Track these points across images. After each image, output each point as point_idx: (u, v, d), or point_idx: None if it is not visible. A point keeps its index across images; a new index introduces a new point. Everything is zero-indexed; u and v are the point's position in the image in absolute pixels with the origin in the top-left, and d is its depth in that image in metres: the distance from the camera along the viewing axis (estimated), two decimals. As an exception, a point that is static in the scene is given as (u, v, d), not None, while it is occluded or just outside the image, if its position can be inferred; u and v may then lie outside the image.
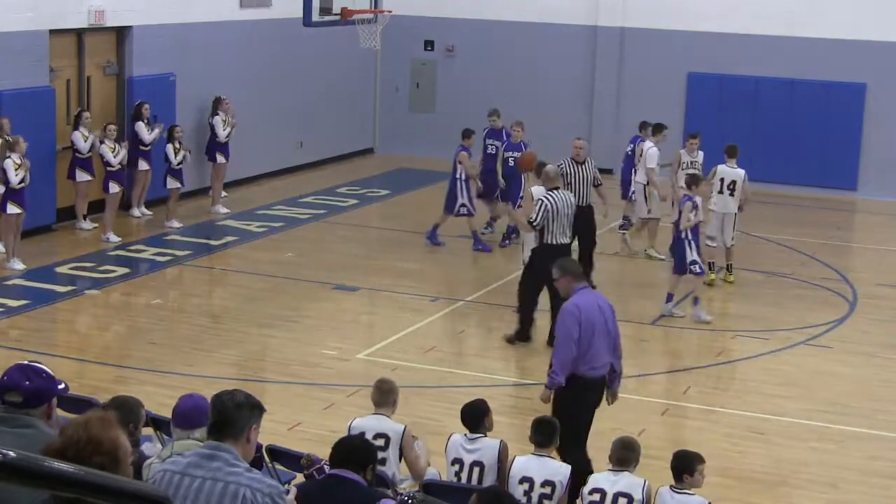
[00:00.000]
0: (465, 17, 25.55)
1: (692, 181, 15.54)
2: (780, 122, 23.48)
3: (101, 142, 17.96)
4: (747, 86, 23.76)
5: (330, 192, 22.32)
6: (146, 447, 9.68)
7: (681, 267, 15.14)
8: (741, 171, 16.71)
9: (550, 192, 13.74)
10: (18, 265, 16.16)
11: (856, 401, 12.70)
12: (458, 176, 18.13)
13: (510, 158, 18.23)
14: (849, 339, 14.75)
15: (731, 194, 16.65)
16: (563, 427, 8.58)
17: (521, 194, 17.18)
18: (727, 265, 16.89)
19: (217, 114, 20.32)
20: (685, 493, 7.85)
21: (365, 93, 26.11)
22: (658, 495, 7.89)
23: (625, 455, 8.03)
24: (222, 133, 20.25)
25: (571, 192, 14.80)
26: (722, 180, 16.65)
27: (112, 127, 18.21)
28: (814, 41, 23.22)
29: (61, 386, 5.29)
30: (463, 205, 18.10)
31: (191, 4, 20.77)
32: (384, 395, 8.84)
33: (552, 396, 9.59)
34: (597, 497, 7.89)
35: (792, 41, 23.38)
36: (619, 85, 24.87)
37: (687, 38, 23.99)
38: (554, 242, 13.56)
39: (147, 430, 8.79)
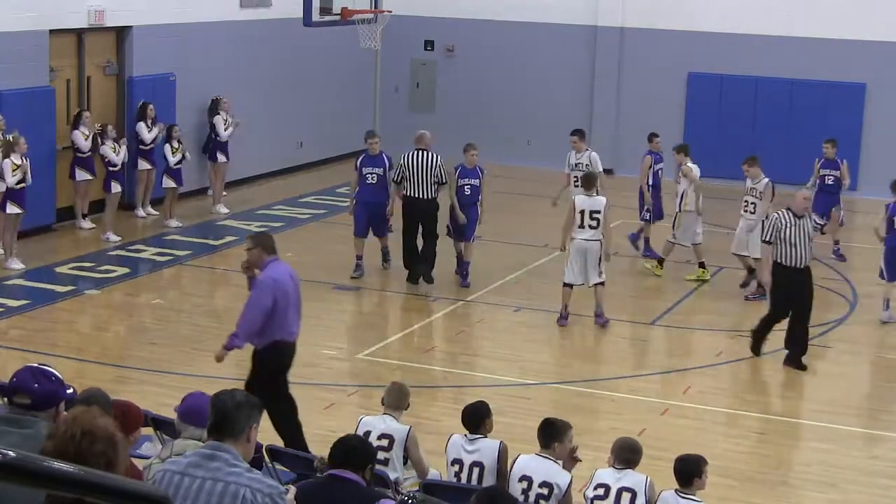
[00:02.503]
0: (465, 17, 25.55)
1: None
2: (780, 122, 23.48)
3: (102, 142, 17.99)
4: (747, 86, 23.76)
5: (330, 192, 22.31)
6: (146, 447, 9.69)
7: (892, 273, 15.05)
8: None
9: (411, 152, 15.94)
10: (17, 265, 16.17)
11: (856, 401, 12.70)
12: (649, 183, 17.82)
13: (466, 187, 16.16)
14: (849, 339, 14.76)
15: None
16: (264, 389, 9.59)
17: (476, 228, 16.24)
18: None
19: (217, 113, 20.33)
20: (691, 498, 7.87)
21: (365, 93, 26.10)
22: (662, 500, 7.91)
23: (628, 457, 8.14)
24: (224, 132, 20.25)
25: (792, 250, 13.20)
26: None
27: (110, 127, 18.23)
28: (814, 41, 23.23)
29: (70, 391, 5.30)
30: (647, 210, 17.88)
31: (191, 4, 20.77)
32: (396, 398, 8.89)
33: (255, 361, 10.31)
34: (601, 492, 7.99)
35: (792, 41, 23.38)
36: (619, 85, 24.87)
37: (687, 38, 23.99)
38: (412, 195, 15.88)
39: (147, 430, 8.79)
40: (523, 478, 8.04)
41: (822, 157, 18.48)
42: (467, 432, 8.54)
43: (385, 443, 8.59)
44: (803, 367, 13.37)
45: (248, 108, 21.36)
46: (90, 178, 18.18)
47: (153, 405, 10.16)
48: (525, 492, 8.01)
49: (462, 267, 16.34)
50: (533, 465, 8.11)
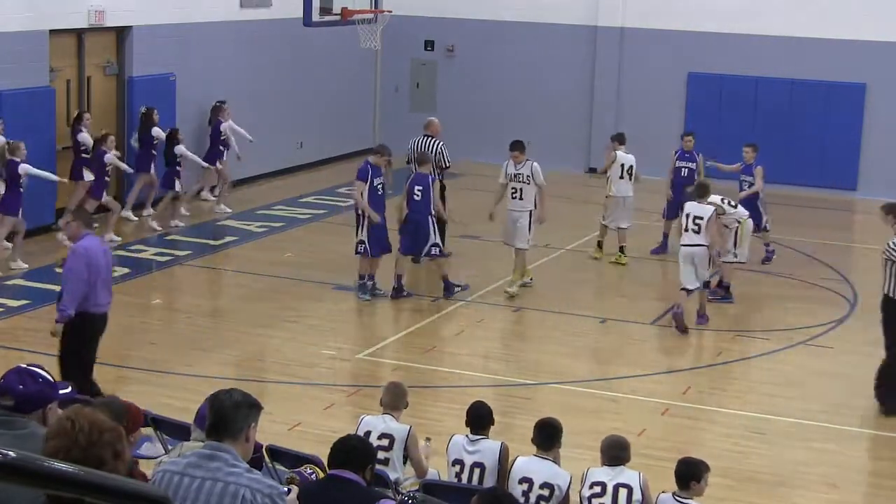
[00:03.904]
0: (465, 17, 25.55)
1: None
2: (780, 122, 23.47)
3: (105, 151, 17.80)
4: (747, 86, 23.76)
5: (330, 192, 22.31)
6: (146, 447, 9.69)
7: None
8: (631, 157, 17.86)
9: (418, 138, 16.95)
10: (17, 265, 16.17)
11: (856, 401, 12.69)
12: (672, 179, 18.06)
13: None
14: (849, 340, 14.75)
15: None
16: (72, 358, 10.61)
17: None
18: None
19: (225, 120, 20.15)
20: (687, 502, 7.90)
21: (365, 93, 26.11)
22: (659, 502, 7.94)
23: (617, 454, 8.20)
24: (234, 144, 20.19)
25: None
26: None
27: (112, 138, 18.09)
28: (814, 41, 23.23)
29: (66, 390, 5.27)
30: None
31: (191, 4, 20.77)
32: (395, 398, 8.90)
33: (63, 331, 10.70)
34: (598, 489, 8.01)
35: (792, 41, 23.38)
36: (619, 85, 24.86)
37: (687, 38, 23.99)
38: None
39: (147, 430, 8.79)
40: (524, 479, 8.05)
41: (742, 160, 17.77)
42: (469, 432, 8.54)
43: (385, 443, 8.59)
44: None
45: (248, 108, 21.36)
46: (94, 178, 18.16)
47: (153, 405, 10.15)
48: (525, 493, 8.02)
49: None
50: (533, 466, 8.13)
